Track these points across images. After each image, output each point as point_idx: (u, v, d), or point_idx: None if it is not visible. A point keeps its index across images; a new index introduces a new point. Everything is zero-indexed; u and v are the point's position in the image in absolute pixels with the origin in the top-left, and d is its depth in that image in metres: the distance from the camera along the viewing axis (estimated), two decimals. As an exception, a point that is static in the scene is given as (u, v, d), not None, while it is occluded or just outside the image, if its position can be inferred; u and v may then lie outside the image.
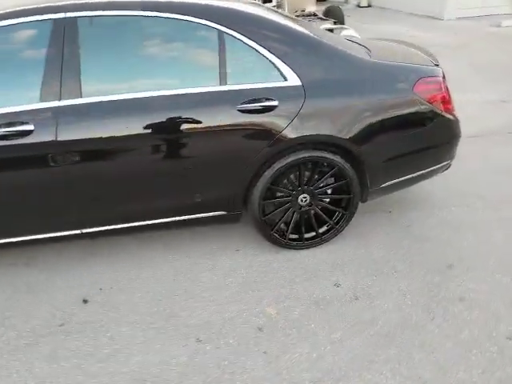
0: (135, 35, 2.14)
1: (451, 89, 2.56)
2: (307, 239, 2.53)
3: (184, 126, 2.11)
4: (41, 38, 2.00)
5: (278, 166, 2.28)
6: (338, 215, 2.54)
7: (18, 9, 2.04)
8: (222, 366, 1.84)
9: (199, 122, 2.11)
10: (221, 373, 1.81)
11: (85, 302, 2.22)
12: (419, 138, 2.46)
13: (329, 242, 2.59)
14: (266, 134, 2.19)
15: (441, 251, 2.52)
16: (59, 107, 1.99)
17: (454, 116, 2.52)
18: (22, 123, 1.95)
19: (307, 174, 2.40)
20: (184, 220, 2.37)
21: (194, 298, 2.22)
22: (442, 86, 2.44)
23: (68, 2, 2.08)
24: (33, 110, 1.97)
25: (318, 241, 2.54)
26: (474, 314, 2.07)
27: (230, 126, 2.15)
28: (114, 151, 2.11)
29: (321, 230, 2.55)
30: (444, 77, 2.49)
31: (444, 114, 2.44)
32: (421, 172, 2.57)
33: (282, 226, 2.51)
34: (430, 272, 2.35)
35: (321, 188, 2.45)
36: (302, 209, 2.46)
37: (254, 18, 2.28)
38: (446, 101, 2.45)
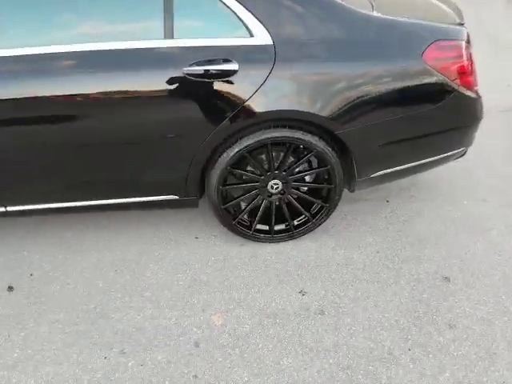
0: None
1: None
2: (277, 232, 2.14)
3: (114, 93, 1.69)
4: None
5: (239, 146, 1.85)
6: (316, 207, 2.12)
7: None
8: (139, 390, 1.54)
9: (135, 88, 1.69)
10: (135, 399, 1.52)
11: (10, 289, 1.94)
12: (426, 119, 1.94)
13: (303, 237, 2.19)
14: (222, 107, 1.75)
15: (439, 258, 2.08)
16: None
17: (474, 93, 1.98)
18: None
19: (279, 156, 1.97)
20: (132, 203, 2.02)
21: (131, 296, 1.90)
22: (464, 52, 1.88)
23: None
24: None
25: (291, 235, 2.14)
26: (463, 349, 1.66)
27: (175, 94, 1.71)
28: (32, 116, 1.72)
29: (295, 223, 2.14)
30: (468, 41, 1.93)
31: (461, 89, 1.90)
32: (425, 161, 2.09)
33: (247, 215, 2.12)
34: (419, 285, 1.93)
35: (296, 174, 2.01)
36: (273, 197, 2.05)
37: None
38: (466, 72, 1.90)
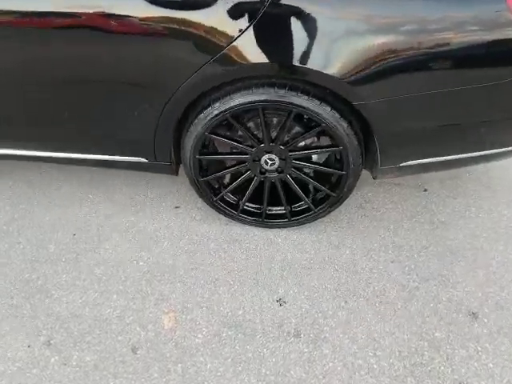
0: None
1: None
2: (270, 216, 1.72)
3: (58, 19, 1.25)
4: None
5: (219, 108, 1.38)
6: (321, 194, 1.65)
7: None
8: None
9: (81, 16, 1.23)
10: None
11: (-43, 240, 1.73)
12: (495, 96, 1.34)
13: (303, 226, 1.76)
14: (195, 50, 1.26)
15: (471, 283, 1.58)
16: None
17: None
18: None
19: (278, 124, 1.49)
20: (98, 160, 1.66)
21: (81, 271, 1.62)
22: None
23: None
24: None
25: (285, 222, 1.72)
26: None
27: (135, 25, 1.24)
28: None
29: (292, 209, 1.70)
30: None
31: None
32: (479, 154, 1.51)
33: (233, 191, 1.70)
34: (434, 317, 1.48)
35: (298, 151, 1.53)
36: (268, 175, 1.60)
37: None
38: None
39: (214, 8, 1.20)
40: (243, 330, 1.44)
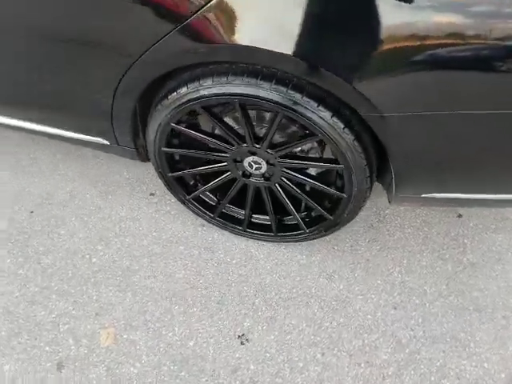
0: None
1: None
2: (253, 226, 1.41)
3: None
4: None
5: (188, 95, 1.04)
6: (317, 212, 1.31)
7: None
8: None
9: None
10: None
11: None
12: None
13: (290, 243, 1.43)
14: (157, 14, 0.91)
15: (488, 362, 1.22)
16: None
17: None
18: None
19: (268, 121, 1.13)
20: (63, 136, 1.38)
21: (26, 258, 1.41)
22: None
23: None
24: None
25: (270, 236, 1.40)
26: None
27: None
28: None
29: (282, 222, 1.38)
30: None
31: None
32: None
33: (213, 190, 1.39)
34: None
35: (290, 158, 1.18)
36: (253, 179, 1.27)
37: None
38: None
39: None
40: (189, 367, 1.19)
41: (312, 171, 1.27)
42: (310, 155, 1.25)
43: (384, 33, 0.80)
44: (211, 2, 0.86)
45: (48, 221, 1.50)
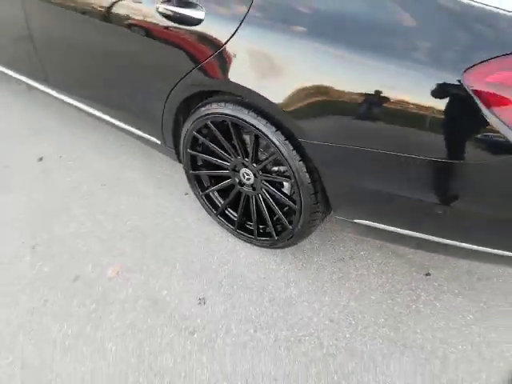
0: None
1: None
2: (242, 228, 1.81)
3: (103, 6, 1.63)
4: None
5: (200, 112, 1.57)
6: (281, 223, 1.66)
7: None
8: None
9: (123, 10, 1.59)
10: None
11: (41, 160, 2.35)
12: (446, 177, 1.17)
13: (273, 251, 1.78)
14: (185, 58, 1.47)
15: None
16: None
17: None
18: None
19: (247, 140, 1.59)
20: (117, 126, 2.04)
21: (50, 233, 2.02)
22: None
23: None
24: None
25: (251, 238, 1.78)
26: None
27: (150, 27, 1.53)
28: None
29: (261, 228, 1.76)
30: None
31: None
32: (440, 240, 1.30)
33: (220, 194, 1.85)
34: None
35: (267, 172, 1.59)
36: (245, 188, 1.70)
37: None
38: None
39: (199, 26, 1.39)
40: (157, 307, 1.60)
41: (286, 190, 1.65)
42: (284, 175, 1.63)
43: (312, 91, 1.22)
44: (214, 55, 1.38)
45: (87, 200, 2.11)
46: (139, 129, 1.93)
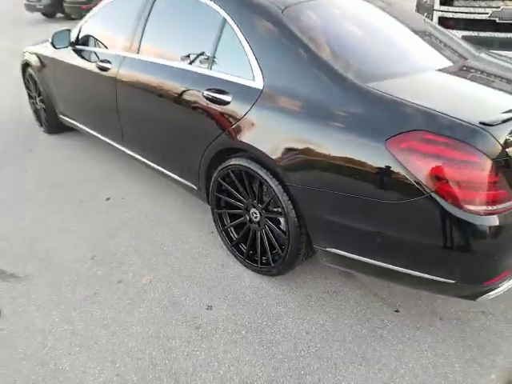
0: (168, 13, 2.53)
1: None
2: (248, 258, 2.30)
3: (170, 92, 2.37)
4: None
5: (224, 163, 2.18)
6: (275, 254, 2.14)
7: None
8: None
9: (180, 94, 2.31)
10: None
11: (107, 199, 3.04)
12: (390, 212, 1.63)
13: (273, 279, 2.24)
14: (215, 126, 2.13)
15: None
16: (125, 56, 2.71)
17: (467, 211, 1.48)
18: (107, 62, 2.82)
19: (255, 188, 2.14)
20: (166, 174, 2.70)
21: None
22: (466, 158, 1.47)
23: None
24: (112, 54, 2.79)
25: (255, 267, 2.26)
26: None
27: (196, 105, 2.22)
28: (139, 95, 2.62)
29: (265, 258, 2.24)
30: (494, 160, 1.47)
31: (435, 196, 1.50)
32: (395, 268, 1.72)
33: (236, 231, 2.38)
34: None
35: (268, 211, 2.12)
36: (253, 225, 2.23)
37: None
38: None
39: (227, 106, 2.06)
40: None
41: (283, 226, 2.14)
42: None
43: (294, 152, 1.79)
44: (234, 125, 2.02)
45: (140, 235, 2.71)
46: (182, 177, 2.57)
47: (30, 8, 12.71)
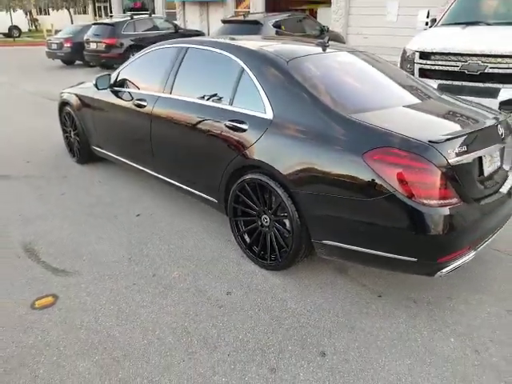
0: (196, 63, 3.18)
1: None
2: (260, 257, 2.81)
3: (198, 124, 2.98)
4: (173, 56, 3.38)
5: (241, 178, 2.74)
6: (283, 249, 2.66)
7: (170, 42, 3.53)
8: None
9: (206, 124, 2.92)
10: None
11: (138, 215, 3.58)
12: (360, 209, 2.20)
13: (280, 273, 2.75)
14: (234, 148, 2.72)
15: None
16: (159, 96, 3.35)
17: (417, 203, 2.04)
18: (143, 100, 3.47)
19: (266, 197, 2.69)
20: (191, 192, 3.26)
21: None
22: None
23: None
24: (147, 94, 3.44)
25: (264, 263, 2.76)
26: None
27: (220, 133, 2.83)
28: (171, 127, 3.23)
29: (273, 256, 2.75)
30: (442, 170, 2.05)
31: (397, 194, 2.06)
32: (370, 252, 2.24)
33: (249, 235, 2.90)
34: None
35: (276, 215, 2.66)
36: (264, 228, 2.76)
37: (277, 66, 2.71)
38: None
39: (244, 133, 2.65)
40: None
41: (287, 226, 2.66)
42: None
43: (296, 167, 2.37)
44: (249, 147, 2.60)
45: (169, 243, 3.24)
46: (205, 193, 3.13)
47: (52, 55, 13.77)
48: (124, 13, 21.48)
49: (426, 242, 2.07)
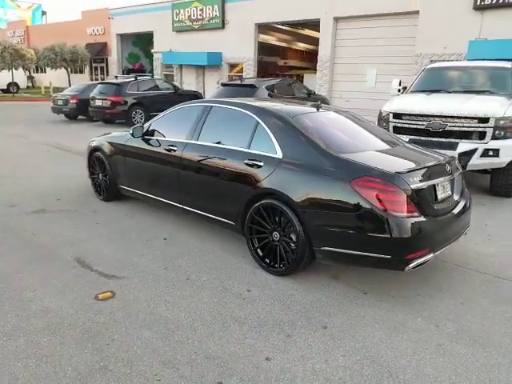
0: (220, 117, 4.12)
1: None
2: (271, 266, 3.57)
3: (222, 163, 3.85)
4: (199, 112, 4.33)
5: (258, 203, 3.58)
6: (291, 257, 3.44)
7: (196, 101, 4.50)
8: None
9: (229, 163, 3.79)
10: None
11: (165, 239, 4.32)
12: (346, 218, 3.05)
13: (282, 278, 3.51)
14: (252, 181, 3.58)
15: None
16: (188, 142, 4.25)
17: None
18: (173, 146, 4.35)
19: (277, 218, 3.52)
20: (215, 219, 4.05)
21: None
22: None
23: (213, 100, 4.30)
24: (177, 141, 4.34)
25: (273, 269, 3.53)
26: None
27: (239, 170, 3.70)
28: (199, 166, 4.10)
29: (281, 263, 3.52)
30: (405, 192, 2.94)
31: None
32: (356, 253, 3.06)
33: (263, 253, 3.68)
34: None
35: (284, 231, 3.47)
36: (274, 242, 3.56)
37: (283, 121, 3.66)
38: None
39: (260, 169, 3.52)
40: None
41: (294, 238, 3.46)
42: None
43: (301, 195, 3.23)
44: (262, 180, 3.47)
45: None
46: (222, 217, 3.94)
47: (56, 110, 14.82)
48: (123, 73, 23.11)
49: (396, 243, 2.90)
